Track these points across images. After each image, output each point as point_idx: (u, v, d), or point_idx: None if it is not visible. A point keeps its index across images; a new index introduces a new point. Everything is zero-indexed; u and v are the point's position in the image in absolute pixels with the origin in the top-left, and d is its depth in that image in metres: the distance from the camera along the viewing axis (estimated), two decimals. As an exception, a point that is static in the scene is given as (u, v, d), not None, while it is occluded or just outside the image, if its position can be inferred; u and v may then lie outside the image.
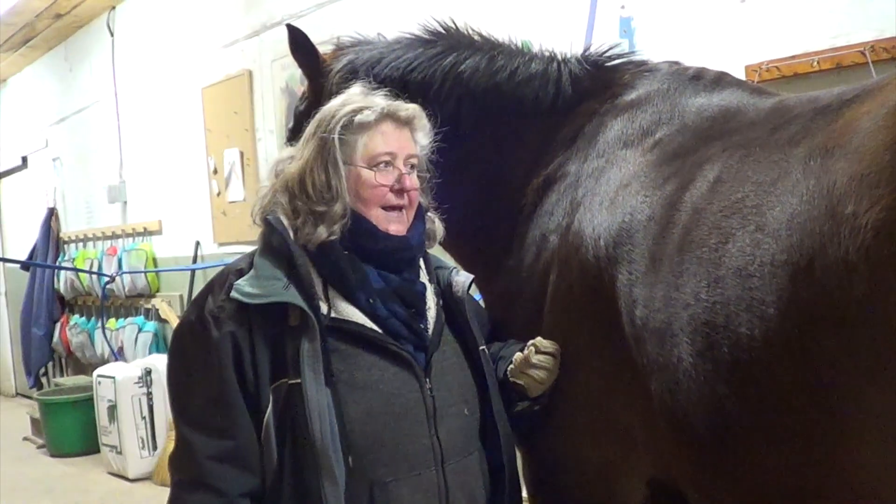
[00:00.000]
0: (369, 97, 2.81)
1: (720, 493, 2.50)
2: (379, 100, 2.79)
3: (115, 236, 11.79)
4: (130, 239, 11.41)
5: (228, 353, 2.54)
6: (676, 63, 3.22)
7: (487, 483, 2.79)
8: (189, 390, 2.62)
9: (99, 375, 9.54)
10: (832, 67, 4.43)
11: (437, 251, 3.12)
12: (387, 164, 2.73)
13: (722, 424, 2.38)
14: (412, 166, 2.80)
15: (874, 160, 2.07)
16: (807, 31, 4.57)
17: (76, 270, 12.08)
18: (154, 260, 10.82)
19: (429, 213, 2.94)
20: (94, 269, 11.47)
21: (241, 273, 2.66)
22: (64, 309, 13.10)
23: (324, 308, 2.62)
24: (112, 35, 11.63)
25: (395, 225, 2.74)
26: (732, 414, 2.35)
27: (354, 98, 2.81)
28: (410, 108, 2.82)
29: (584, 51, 3.42)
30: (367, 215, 2.71)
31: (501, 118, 3.36)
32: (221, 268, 2.81)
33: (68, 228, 13.47)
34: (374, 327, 2.65)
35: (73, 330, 12.46)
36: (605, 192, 2.88)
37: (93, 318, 11.66)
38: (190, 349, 2.64)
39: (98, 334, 11.50)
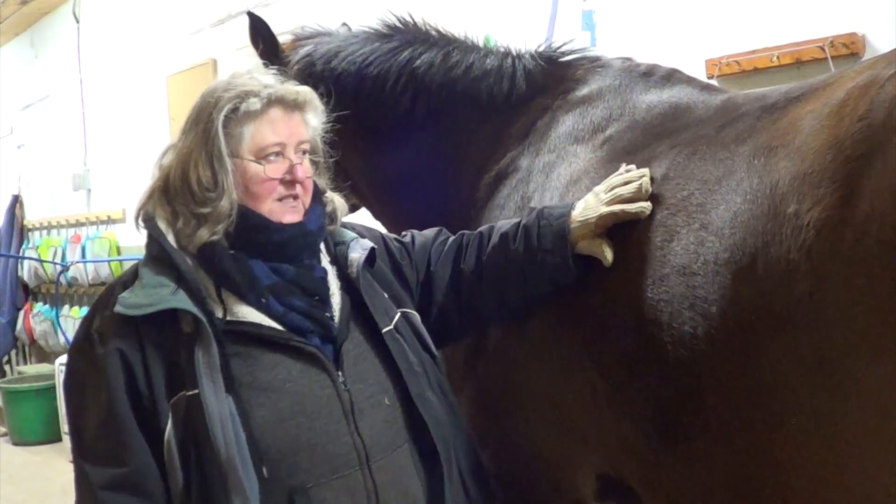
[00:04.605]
0: (257, 77, 2.57)
1: (667, 488, 2.52)
2: (267, 80, 2.57)
3: (78, 224, 11.71)
4: (94, 227, 11.34)
5: (118, 372, 2.33)
6: (629, 59, 3.23)
7: (423, 475, 2.55)
8: (81, 415, 2.41)
9: (61, 364, 9.48)
10: (792, 62, 4.44)
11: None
12: (277, 154, 2.51)
13: (667, 422, 2.40)
14: (304, 152, 2.58)
15: (816, 160, 2.09)
16: (767, 26, 4.58)
17: (29, 259, 12.05)
18: (118, 248, 10.75)
19: (327, 194, 2.72)
20: (58, 257, 11.41)
21: (126, 285, 2.44)
22: (27, 297, 13.02)
23: (218, 311, 2.43)
24: (78, 22, 11.54)
25: (291, 214, 2.52)
26: (676, 411, 2.37)
27: (239, 80, 2.54)
28: (301, 91, 2.59)
29: (539, 46, 3.43)
30: (258, 209, 2.50)
31: (456, 113, 3.36)
32: None
33: (32, 216, 13.38)
34: (273, 325, 2.45)
35: (36, 318, 12.38)
36: (555, 188, 2.90)
37: (56, 307, 11.60)
38: (80, 370, 2.44)
39: (62, 322, 11.44)
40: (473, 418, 2.99)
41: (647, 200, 2.55)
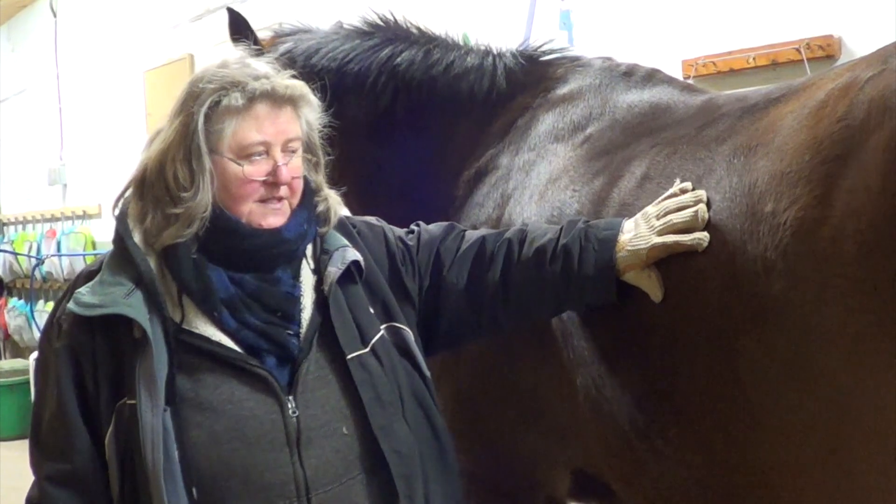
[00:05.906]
0: (250, 66, 2.36)
1: (644, 486, 2.53)
2: (259, 70, 2.35)
3: (54, 219, 11.69)
4: (70, 222, 11.31)
5: (68, 369, 2.27)
6: (609, 59, 3.24)
7: None
8: (40, 404, 2.36)
9: (36, 359, 9.40)
10: (768, 64, 4.49)
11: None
12: (261, 153, 2.31)
13: (643, 419, 2.41)
14: (293, 150, 2.38)
15: (794, 160, 2.10)
16: (743, 28, 4.62)
17: (4, 252, 12.03)
18: (93, 243, 10.72)
19: (321, 192, 2.53)
20: (33, 252, 11.38)
21: (91, 276, 2.34)
22: (2, 291, 12.95)
23: (177, 316, 2.29)
24: (55, 16, 11.52)
25: (273, 217, 2.35)
26: (653, 409, 2.39)
27: (226, 70, 2.33)
28: (291, 85, 2.37)
29: (520, 45, 3.44)
30: (235, 212, 2.32)
31: (436, 110, 3.36)
32: None
33: (7, 210, 13.34)
34: (224, 340, 2.30)
35: (10, 313, 12.33)
36: (535, 186, 2.90)
37: (31, 301, 11.56)
38: (45, 357, 2.38)
39: (36, 317, 11.40)
40: (450, 417, 3.00)
41: (703, 230, 2.29)
